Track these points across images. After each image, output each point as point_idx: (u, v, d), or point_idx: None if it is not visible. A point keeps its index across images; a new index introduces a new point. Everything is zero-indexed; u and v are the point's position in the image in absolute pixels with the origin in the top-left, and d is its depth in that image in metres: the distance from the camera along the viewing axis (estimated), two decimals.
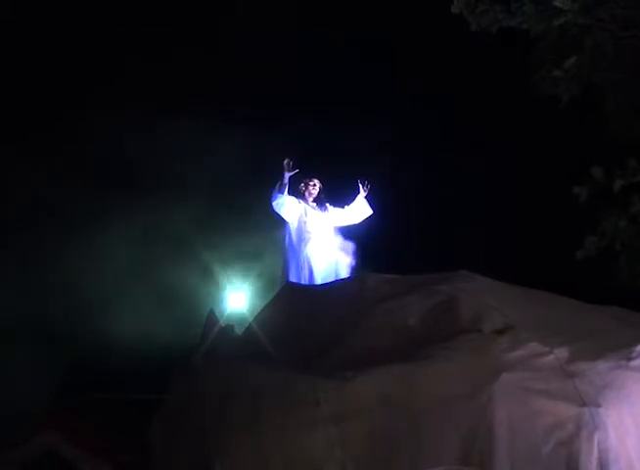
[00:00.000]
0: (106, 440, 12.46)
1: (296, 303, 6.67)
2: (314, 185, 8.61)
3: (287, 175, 8.32)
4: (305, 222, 8.50)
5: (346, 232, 8.75)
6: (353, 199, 8.74)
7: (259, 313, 6.89)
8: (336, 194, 8.87)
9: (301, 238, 8.47)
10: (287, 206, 8.43)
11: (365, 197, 8.72)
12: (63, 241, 12.33)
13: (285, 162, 8.31)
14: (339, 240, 8.65)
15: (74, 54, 13.51)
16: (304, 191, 8.60)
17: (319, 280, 8.24)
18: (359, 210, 8.73)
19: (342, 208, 8.76)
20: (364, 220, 8.80)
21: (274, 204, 8.41)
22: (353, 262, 8.51)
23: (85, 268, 12.43)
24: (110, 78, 13.48)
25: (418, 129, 13.30)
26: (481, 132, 12.82)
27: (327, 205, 8.65)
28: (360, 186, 8.69)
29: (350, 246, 8.61)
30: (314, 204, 8.62)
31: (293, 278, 8.11)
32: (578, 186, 7.59)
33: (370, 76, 13.50)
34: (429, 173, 13.13)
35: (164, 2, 13.80)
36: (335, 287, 7.43)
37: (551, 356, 5.49)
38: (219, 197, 12.76)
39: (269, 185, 8.44)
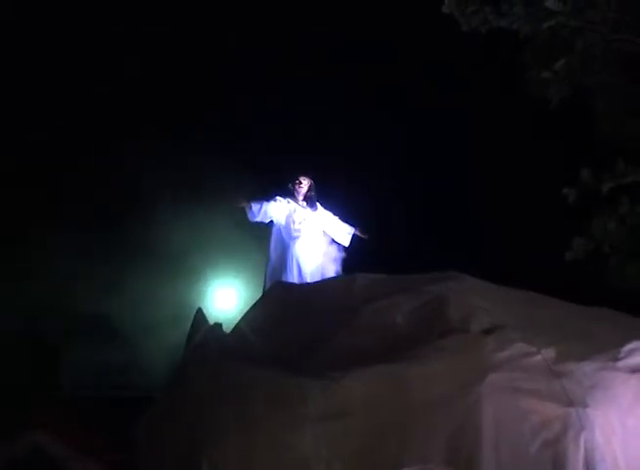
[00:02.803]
0: (96, 438, 12.38)
1: (284, 301, 6.66)
2: (300, 183, 8.62)
3: (246, 205, 8.39)
4: (294, 221, 8.52)
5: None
6: (347, 222, 8.76)
7: (248, 312, 6.88)
8: (331, 194, 8.89)
9: (290, 236, 8.49)
10: (271, 210, 8.46)
11: (353, 234, 8.73)
12: (56, 238, 12.29)
13: (232, 204, 8.37)
14: (326, 242, 8.68)
15: (74, 54, 13.47)
16: (293, 190, 8.62)
17: (308, 279, 8.25)
18: (340, 233, 8.72)
19: (333, 214, 8.76)
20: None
21: (256, 221, 8.49)
22: (339, 268, 8.55)
23: (83, 267, 12.40)
24: (110, 78, 13.45)
25: (412, 129, 13.30)
26: (473, 132, 12.83)
27: (317, 204, 8.65)
28: (358, 230, 8.71)
29: (336, 252, 8.65)
30: (304, 203, 8.63)
31: (278, 277, 8.11)
32: (568, 187, 7.62)
33: (367, 76, 13.50)
34: (419, 174, 13.14)
35: (164, 2, 13.76)
36: (324, 286, 7.41)
37: (538, 357, 5.50)
38: (217, 196, 12.74)
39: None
